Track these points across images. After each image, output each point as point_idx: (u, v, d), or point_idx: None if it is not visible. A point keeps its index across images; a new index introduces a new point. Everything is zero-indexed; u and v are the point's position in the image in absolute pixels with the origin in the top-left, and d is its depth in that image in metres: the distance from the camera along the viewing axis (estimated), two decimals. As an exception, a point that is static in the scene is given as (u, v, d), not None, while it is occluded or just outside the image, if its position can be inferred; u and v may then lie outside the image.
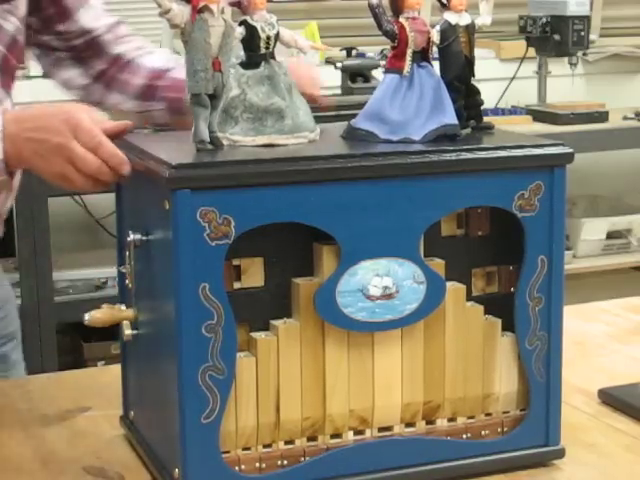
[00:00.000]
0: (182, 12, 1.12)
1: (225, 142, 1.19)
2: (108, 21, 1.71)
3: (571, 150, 1.22)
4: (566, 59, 3.66)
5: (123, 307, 1.28)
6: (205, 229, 1.10)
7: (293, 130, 1.20)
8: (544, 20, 3.53)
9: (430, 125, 1.21)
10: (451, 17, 1.24)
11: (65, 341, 3.15)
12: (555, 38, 3.52)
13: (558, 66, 3.75)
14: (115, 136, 1.25)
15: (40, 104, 1.41)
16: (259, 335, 1.17)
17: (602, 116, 3.57)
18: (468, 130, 1.27)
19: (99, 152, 1.24)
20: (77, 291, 3.02)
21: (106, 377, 1.56)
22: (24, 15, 1.60)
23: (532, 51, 3.66)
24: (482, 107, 1.31)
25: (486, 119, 1.30)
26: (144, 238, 1.21)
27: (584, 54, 3.87)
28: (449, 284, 1.21)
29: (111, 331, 1.63)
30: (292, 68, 1.24)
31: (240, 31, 1.18)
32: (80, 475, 1.25)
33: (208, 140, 1.16)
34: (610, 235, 3.73)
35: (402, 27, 1.21)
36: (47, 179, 1.30)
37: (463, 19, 1.25)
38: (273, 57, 1.21)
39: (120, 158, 1.23)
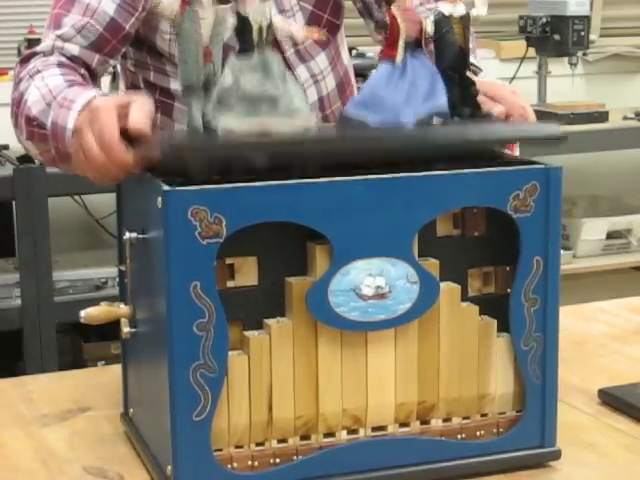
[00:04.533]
0: (172, 4, 1.12)
1: (219, 131, 1.18)
2: None
3: (565, 134, 1.22)
4: (566, 59, 3.66)
5: (122, 305, 1.28)
6: (196, 228, 1.09)
7: (287, 116, 1.19)
8: (544, 20, 3.52)
9: (421, 111, 1.20)
10: (445, 8, 1.24)
11: (65, 341, 3.15)
12: (555, 38, 3.52)
13: (558, 66, 3.75)
14: (136, 136, 1.20)
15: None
16: (252, 334, 1.16)
17: (602, 116, 3.57)
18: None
19: (107, 152, 1.20)
20: (77, 291, 3.02)
21: (106, 377, 1.55)
22: None
23: (532, 51, 3.66)
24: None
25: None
26: (140, 237, 1.20)
27: (584, 54, 3.86)
28: (443, 284, 1.21)
29: (111, 331, 1.63)
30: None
31: (232, 21, 1.17)
32: (80, 475, 1.25)
33: (202, 130, 1.16)
34: (610, 235, 3.72)
35: (393, 16, 1.21)
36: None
37: (457, 10, 1.24)
38: (266, 46, 1.20)
39: (125, 163, 1.18)
